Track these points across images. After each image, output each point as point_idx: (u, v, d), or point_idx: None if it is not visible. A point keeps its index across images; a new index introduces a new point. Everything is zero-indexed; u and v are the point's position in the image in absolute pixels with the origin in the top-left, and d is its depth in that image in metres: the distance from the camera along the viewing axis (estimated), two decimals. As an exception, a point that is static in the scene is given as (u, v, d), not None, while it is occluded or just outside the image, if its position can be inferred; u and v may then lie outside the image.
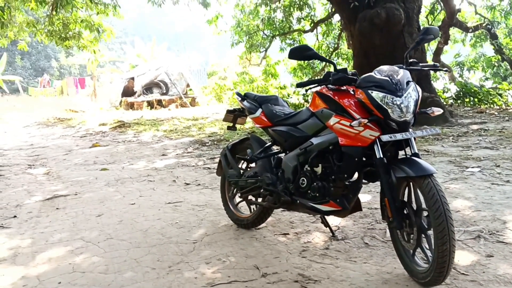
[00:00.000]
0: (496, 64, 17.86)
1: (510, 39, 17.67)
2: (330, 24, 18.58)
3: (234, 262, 2.92)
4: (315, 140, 2.84)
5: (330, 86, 2.75)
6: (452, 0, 13.34)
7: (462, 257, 2.75)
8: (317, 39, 19.10)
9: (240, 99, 3.53)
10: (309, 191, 2.87)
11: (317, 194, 2.82)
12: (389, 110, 2.45)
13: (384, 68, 2.62)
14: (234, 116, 3.70)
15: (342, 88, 2.73)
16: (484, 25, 16.91)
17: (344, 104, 2.65)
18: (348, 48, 19.55)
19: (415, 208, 2.43)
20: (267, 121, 3.24)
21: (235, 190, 3.60)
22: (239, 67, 22.05)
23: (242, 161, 3.62)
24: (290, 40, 19.18)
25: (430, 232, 2.38)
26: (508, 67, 17.35)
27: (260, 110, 3.30)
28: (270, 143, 3.32)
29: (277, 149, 3.33)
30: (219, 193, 4.53)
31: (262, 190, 3.25)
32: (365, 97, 2.52)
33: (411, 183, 2.45)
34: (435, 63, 3.03)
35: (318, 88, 2.96)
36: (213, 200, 4.40)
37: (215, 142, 8.01)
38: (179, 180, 5.42)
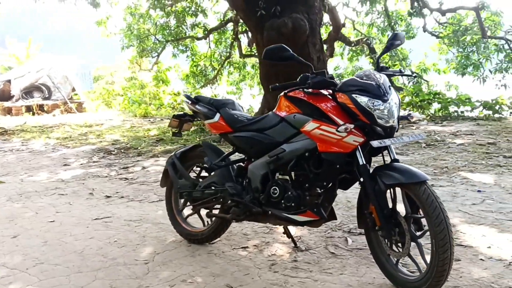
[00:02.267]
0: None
1: (386, 54, 19.15)
2: (223, 32, 18.61)
3: (202, 283, 2.64)
4: (287, 147, 2.68)
5: (305, 90, 2.62)
6: (338, 16, 14.11)
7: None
8: (209, 47, 19.04)
9: (190, 102, 3.24)
10: (282, 201, 2.70)
11: (293, 204, 2.67)
12: (375, 115, 2.38)
13: (366, 72, 2.56)
14: (180, 121, 3.40)
15: (318, 91, 2.62)
16: (364, 39, 18.23)
17: (324, 108, 2.53)
18: (240, 57, 19.80)
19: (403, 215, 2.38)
20: (227, 126, 3.01)
21: (186, 203, 3.30)
22: (127, 72, 21.14)
23: (191, 171, 3.34)
24: (182, 46, 18.89)
25: (420, 240, 2.35)
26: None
27: (218, 115, 3.06)
28: (232, 150, 3.09)
29: (238, 157, 3.11)
30: (150, 206, 4.23)
31: (223, 201, 3.01)
32: (349, 101, 2.42)
33: (396, 190, 2.40)
34: (401, 69, 3.05)
35: (287, 92, 2.81)
36: (146, 213, 4.02)
37: (122, 150, 7.46)
38: (97, 192, 4.90)
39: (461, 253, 2.90)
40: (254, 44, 10.81)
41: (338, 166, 2.51)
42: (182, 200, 3.34)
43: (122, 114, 14.23)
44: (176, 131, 3.44)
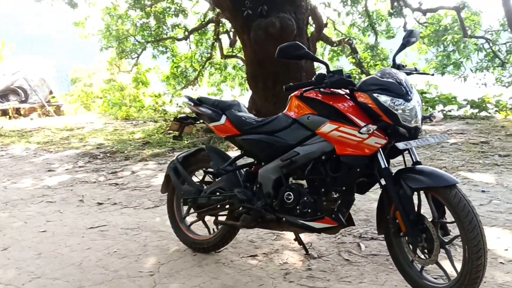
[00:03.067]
0: (356, 77, 19.27)
1: (368, 54, 19.22)
2: (203, 33, 18.41)
3: (216, 295, 2.49)
4: (301, 150, 2.54)
5: (321, 89, 2.48)
6: (320, 17, 14.06)
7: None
8: (190, 48, 18.83)
9: (192, 104, 3.08)
10: (298, 207, 2.56)
11: (309, 210, 2.53)
12: (399, 115, 2.26)
13: (386, 70, 2.44)
14: (181, 124, 3.24)
15: (334, 91, 2.49)
16: (346, 40, 18.27)
17: (342, 109, 2.40)
18: (221, 58, 19.62)
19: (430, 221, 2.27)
20: (234, 129, 2.86)
21: (190, 210, 3.13)
22: (105, 74, 20.75)
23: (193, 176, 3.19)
24: (162, 47, 18.63)
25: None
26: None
27: (224, 117, 2.90)
28: (240, 154, 2.93)
29: (245, 161, 2.96)
30: (146, 213, 4.05)
31: (232, 208, 2.87)
32: (370, 101, 2.30)
33: (424, 194, 2.29)
34: (416, 68, 2.93)
35: (302, 92, 2.68)
36: (143, 221, 3.84)
37: (108, 154, 7.21)
38: (87, 199, 4.68)
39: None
40: (241, 44, 10.64)
41: (358, 169, 2.39)
42: (186, 207, 3.17)
43: (102, 117, 13.89)
44: (177, 135, 3.28)
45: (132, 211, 4.19)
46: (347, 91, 2.45)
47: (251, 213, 2.72)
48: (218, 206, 2.92)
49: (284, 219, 2.61)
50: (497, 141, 6.20)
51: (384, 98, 2.27)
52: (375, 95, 2.30)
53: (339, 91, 2.48)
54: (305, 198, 2.54)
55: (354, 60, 18.38)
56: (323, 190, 2.53)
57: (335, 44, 18.10)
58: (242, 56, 19.37)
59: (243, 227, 2.84)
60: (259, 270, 2.80)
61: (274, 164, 2.66)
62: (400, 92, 2.28)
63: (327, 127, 2.41)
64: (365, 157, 2.37)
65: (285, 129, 2.65)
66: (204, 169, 3.13)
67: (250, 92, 10.24)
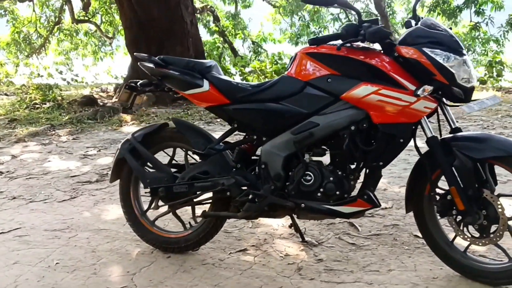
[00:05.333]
0: (220, 46, 18.94)
1: (230, 22, 18.99)
2: (50, -6, 16.42)
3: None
4: (321, 120, 2.08)
5: (343, 44, 2.03)
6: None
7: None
8: (34, 10, 16.67)
9: (152, 66, 2.38)
10: (321, 190, 2.11)
11: (337, 193, 2.10)
12: (456, 74, 1.92)
13: (430, 19, 2.06)
14: (131, 93, 2.53)
15: (361, 45, 2.07)
16: (208, 7, 17.80)
17: (381, 67, 1.99)
18: (72, 22, 17.69)
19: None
20: (223, 97, 2.26)
21: (159, 201, 2.46)
22: None
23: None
24: (0, 9, 16.25)
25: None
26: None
27: (207, 82, 2.28)
28: (231, 128, 2.34)
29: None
30: (64, 207, 3.31)
31: (224, 196, 2.29)
32: (422, 57, 1.92)
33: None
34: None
35: (307, 47, 2.20)
36: (70, 218, 3.03)
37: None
38: (-32, 195, 3.60)
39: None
40: (116, 4, 9.48)
41: (402, 140, 2.02)
42: (152, 198, 2.49)
43: None
44: (127, 106, 2.56)
45: (44, 206, 3.30)
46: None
47: (258, 200, 2.19)
48: (201, 194, 2.34)
49: (303, 205, 2.14)
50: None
51: (438, 53, 1.91)
52: (426, 50, 1.92)
53: (372, 45, 2.07)
54: (331, 179, 2.10)
55: (217, 29, 18.04)
56: (350, 167, 2.12)
57: (198, 11, 17.51)
58: (96, 21, 17.72)
59: (245, 218, 2.30)
60: (264, 268, 2.29)
61: (283, 138, 2.16)
62: (455, 45, 1.94)
63: (361, 90, 1.99)
64: (410, 124, 2.00)
65: (294, 94, 2.15)
66: (183, 149, 2.47)
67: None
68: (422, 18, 2.19)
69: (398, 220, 2.81)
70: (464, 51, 1.96)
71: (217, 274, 2.24)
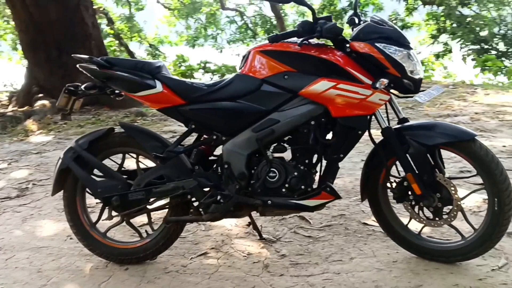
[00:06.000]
0: (117, 49, 18.29)
1: (124, 25, 18.40)
2: None
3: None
4: (281, 116, 2.11)
5: (302, 41, 2.07)
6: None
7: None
8: None
9: (95, 67, 2.24)
10: (285, 185, 2.13)
11: (302, 187, 2.14)
12: (407, 67, 2.04)
13: (377, 16, 2.17)
14: (70, 97, 2.35)
15: (314, 42, 2.12)
16: (102, 9, 17.08)
17: (337, 62, 2.06)
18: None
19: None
20: (178, 97, 2.19)
21: (112, 211, 2.31)
22: None
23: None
24: None
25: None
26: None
27: (159, 83, 2.20)
28: (188, 130, 2.26)
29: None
30: None
31: (185, 199, 2.23)
32: (375, 51, 2.01)
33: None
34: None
35: (260, 45, 2.22)
36: (8, 234, 2.74)
37: None
38: None
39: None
40: (8, 5, 8.74)
41: (360, 132, 2.10)
42: (103, 209, 2.34)
43: None
44: (66, 112, 2.38)
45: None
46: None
47: (224, 201, 2.15)
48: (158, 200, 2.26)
49: (269, 202, 2.14)
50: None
51: (390, 48, 2.02)
52: (379, 44, 2.02)
53: (319, 41, 2.14)
54: (295, 174, 2.13)
55: (112, 31, 17.39)
56: (307, 161, 2.16)
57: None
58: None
59: (210, 220, 2.24)
60: (231, 269, 2.26)
61: (245, 137, 2.15)
62: (402, 40, 2.07)
63: (319, 86, 2.04)
64: (367, 116, 2.10)
65: (251, 92, 2.16)
66: (134, 154, 2.34)
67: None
68: (362, 15, 2.31)
69: (343, 210, 2.92)
70: (411, 45, 2.09)
71: (184, 281, 2.17)
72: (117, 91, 2.33)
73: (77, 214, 2.37)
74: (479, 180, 2.11)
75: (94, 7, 15.23)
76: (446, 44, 14.02)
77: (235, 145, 2.17)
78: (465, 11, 13.23)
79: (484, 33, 12.55)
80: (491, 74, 10.03)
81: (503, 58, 12.36)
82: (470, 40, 12.74)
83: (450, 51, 14.26)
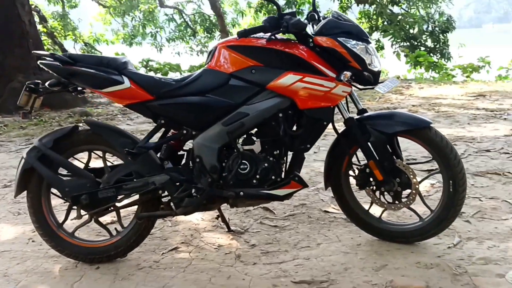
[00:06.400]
0: (50, 47, 17.57)
1: (58, 23, 17.72)
2: None
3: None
4: (250, 110, 2.18)
5: (271, 37, 2.14)
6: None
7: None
8: None
9: (58, 64, 2.20)
10: (256, 176, 2.20)
11: (272, 177, 2.21)
12: (366, 60, 2.17)
13: (337, 12, 2.28)
14: (31, 95, 2.29)
15: (279, 37, 2.20)
16: (33, 7, 16.37)
17: (302, 56, 2.15)
18: None
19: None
20: (146, 93, 2.20)
21: (80, 210, 2.28)
22: None
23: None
24: None
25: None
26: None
27: (127, 79, 2.20)
28: (157, 126, 2.27)
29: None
30: None
31: (156, 195, 2.24)
32: (338, 46, 2.12)
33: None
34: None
35: (227, 40, 2.28)
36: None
37: None
38: None
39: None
40: None
41: (325, 123, 2.21)
42: (70, 208, 2.30)
43: None
44: (27, 110, 2.32)
45: None
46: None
47: (197, 195, 2.18)
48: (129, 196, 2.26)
49: (241, 193, 2.20)
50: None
51: (351, 43, 2.14)
52: (341, 39, 2.13)
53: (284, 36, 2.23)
54: (265, 165, 2.20)
55: (45, 30, 16.70)
56: (276, 152, 2.24)
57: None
58: None
59: (183, 214, 2.26)
60: (204, 262, 2.30)
61: (215, 130, 2.20)
62: (362, 35, 2.20)
63: (286, 79, 2.13)
64: (332, 108, 2.21)
65: (219, 87, 2.21)
66: (100, 152, 2.32)
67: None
68: (320, 12, 2.42)
69: (303, 199, 3.03)
70: (370, 39, 2.22)
71: (159, 275, 2.19)
72: (79, 88, 2.30)
73: (43, 215, 2.32)
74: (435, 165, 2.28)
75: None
76: (378, 41, 14.56)
77: (206, 139, 2.21)
78: (396, 9, 13.83)
79: (414, 30, 13.17)
80: (422, 69, 10.59)
81: (431, 54, 13.05)
82: (400, 37, 13.32)
83: (382, 48, 14.85)
